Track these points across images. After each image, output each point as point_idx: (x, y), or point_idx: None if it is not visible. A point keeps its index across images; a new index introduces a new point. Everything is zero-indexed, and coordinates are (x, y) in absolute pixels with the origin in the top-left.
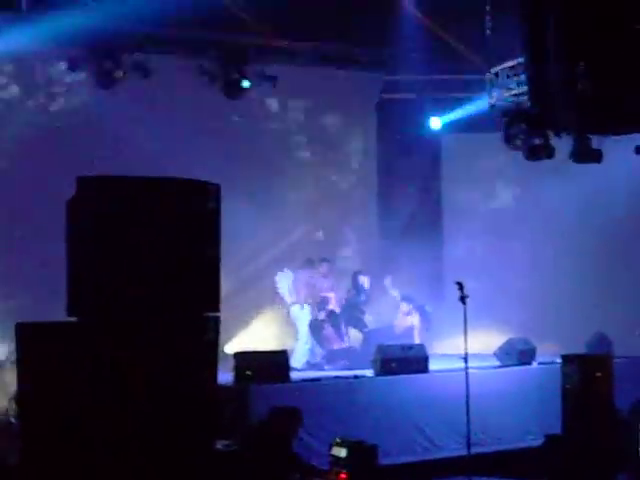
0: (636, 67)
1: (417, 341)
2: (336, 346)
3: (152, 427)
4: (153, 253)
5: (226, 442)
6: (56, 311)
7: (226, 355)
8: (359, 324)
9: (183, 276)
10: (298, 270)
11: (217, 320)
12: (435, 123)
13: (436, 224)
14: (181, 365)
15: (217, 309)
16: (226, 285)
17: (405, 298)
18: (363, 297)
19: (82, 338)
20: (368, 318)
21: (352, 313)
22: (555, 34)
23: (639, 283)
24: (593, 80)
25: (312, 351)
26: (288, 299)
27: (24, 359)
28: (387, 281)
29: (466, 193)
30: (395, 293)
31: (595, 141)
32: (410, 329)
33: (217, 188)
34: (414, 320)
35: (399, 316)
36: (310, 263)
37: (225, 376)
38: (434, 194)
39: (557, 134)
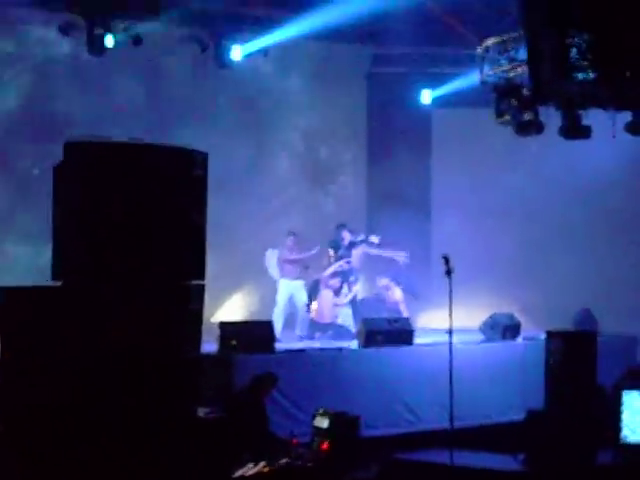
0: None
1: (405, 314)
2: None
3: (134, 394)
4: (138, 219)
5: (208, 410)
6: None
7: (212, 325)
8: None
9: (168, 243)
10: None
11: (202, 288)
12: (426, 97)
13: (425, 198)
14: (164, 333)
15: (202, 277)
16: (214, 255)
17: (382, 272)
18: (343, 251)
19: (64, 303)
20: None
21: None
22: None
23: (626, 262)
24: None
25: (291, 323)
26: (274, 275)
27: (4, 323)
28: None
29: (455, 168)
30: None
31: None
32: (395, 304)
33: (204, 156)
34: (396, 294)
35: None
36: (290, 235)
37: (210, 346)
38: (423, 168)
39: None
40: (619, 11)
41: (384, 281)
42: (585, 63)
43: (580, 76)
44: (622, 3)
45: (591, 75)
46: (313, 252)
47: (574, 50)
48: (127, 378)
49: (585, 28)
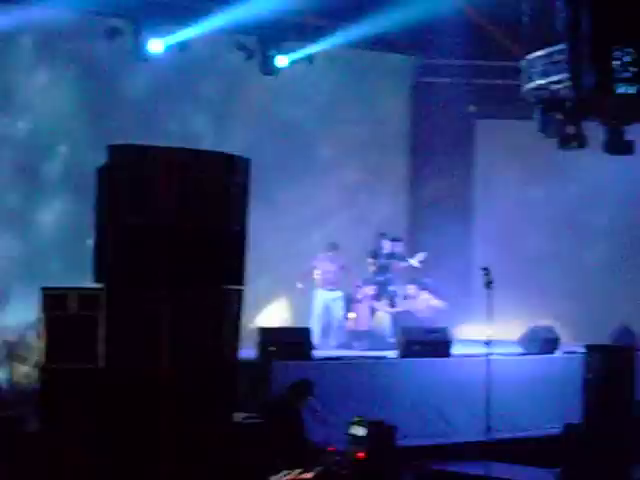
0: None
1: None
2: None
3: (172, 395)
4: (178, 224)
5: (244, 415)
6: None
7: (251, 331)
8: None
9: (208, 248)
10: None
11: (240, 293)
12: (470, 108)
13: (468, 207)
14: (203, 337)
15: (241, 282)
16: (255, 261)
17: (410, 281)
18: (383, 260)
19: (105, 304)
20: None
21: (383, 279)
22: (591, 18)
23: None
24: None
25: (326, 332)
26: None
27: (48, 322)
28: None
29: (500, 179)
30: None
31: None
32: (427, 309)
33: (246, 162)
34: (423, 298)
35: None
36: (331, 247)
37: (249, 351)
38: (467, 178)
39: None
40: None
41: (411, 289)
42: (627, 76)
43: (621, 90)
44: None
45: (632, 89)
46: (333, 269)
47: (616, 64)
48: (167, 380)
49: (628, 42)
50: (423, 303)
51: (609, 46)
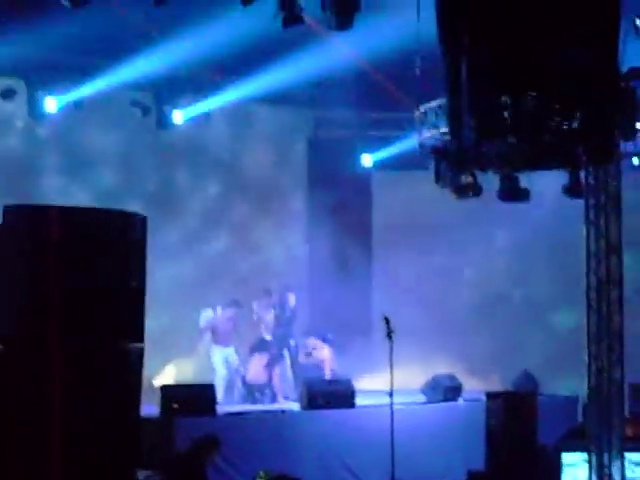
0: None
1: (328, 373)
2: (260, 380)
3: (73, 452)
4: (76, 282)
5: (148, 473)
6: None
7: (154, 388)
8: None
9: (106, 306)
10: (221, 309)
11: (140, 350)
12: (366, 161)
13: (367, 258)
14: (104, 394)
15: (141, 340)
16: (157, 319)
17: (311, 333)
18: (288, 314)
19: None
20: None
21: (284, 332)
22: (468, 69)
23: (567, 323)
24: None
25: (230, 388)
26: (207, 337)
27: None
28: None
29: (398, 229)
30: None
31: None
32: (321, 362)
33: (143, 219)
34: (324, 353)
35: (306, 353)
36: (234, 304)
37: (152, 409)
38: (365, 230)
39: (483, 171)
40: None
41: (312, 341)
42: (505, 126)
43: (502, 139)
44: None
45: (512, 138)
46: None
47: (494, 113)
48: (65, 437)
49: (505, 91)
50: (325, 356)
51: (486, 96)
